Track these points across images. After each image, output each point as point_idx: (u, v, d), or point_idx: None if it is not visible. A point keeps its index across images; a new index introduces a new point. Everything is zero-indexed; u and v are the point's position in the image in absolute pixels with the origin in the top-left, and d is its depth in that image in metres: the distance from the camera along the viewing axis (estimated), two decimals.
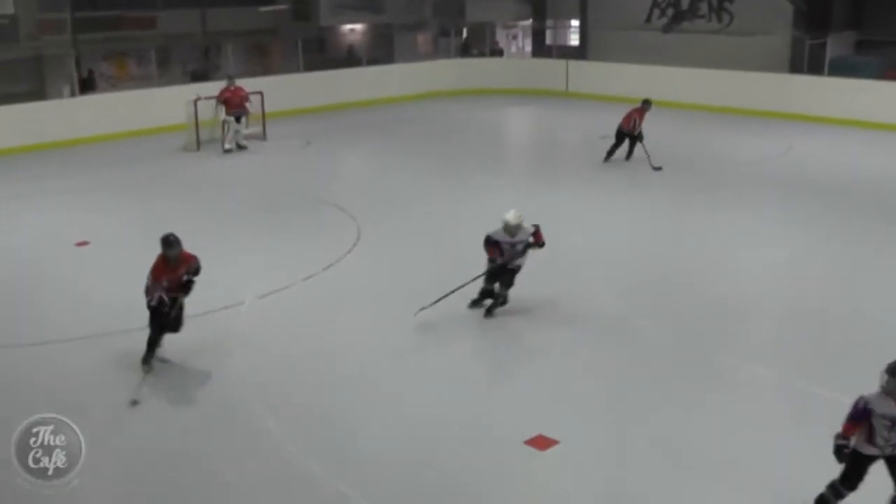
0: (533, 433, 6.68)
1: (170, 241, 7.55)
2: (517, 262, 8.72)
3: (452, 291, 8.68)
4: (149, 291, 7.55)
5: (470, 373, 7.95)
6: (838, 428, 6.83)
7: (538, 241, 8.71)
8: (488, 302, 8.90)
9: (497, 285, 8.78)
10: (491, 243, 8.69)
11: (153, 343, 7.67)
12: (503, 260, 8.64)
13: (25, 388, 7.65)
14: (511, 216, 8.57)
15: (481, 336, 8.56)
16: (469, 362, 8.18)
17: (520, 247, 8.63)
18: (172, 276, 7.57)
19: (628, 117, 15.16)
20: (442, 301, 8.56)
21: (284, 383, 7.60)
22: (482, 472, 6.34)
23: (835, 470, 6.27)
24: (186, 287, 7.63)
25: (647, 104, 15.18)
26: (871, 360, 7.91)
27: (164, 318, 7.60)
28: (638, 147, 15.08)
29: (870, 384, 7.42)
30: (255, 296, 9.43)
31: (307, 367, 7.92)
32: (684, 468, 6.36)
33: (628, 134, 15.12)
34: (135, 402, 7.15)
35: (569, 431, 6.74)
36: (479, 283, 8.86)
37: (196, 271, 7.68)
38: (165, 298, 7.52)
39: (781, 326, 9.12)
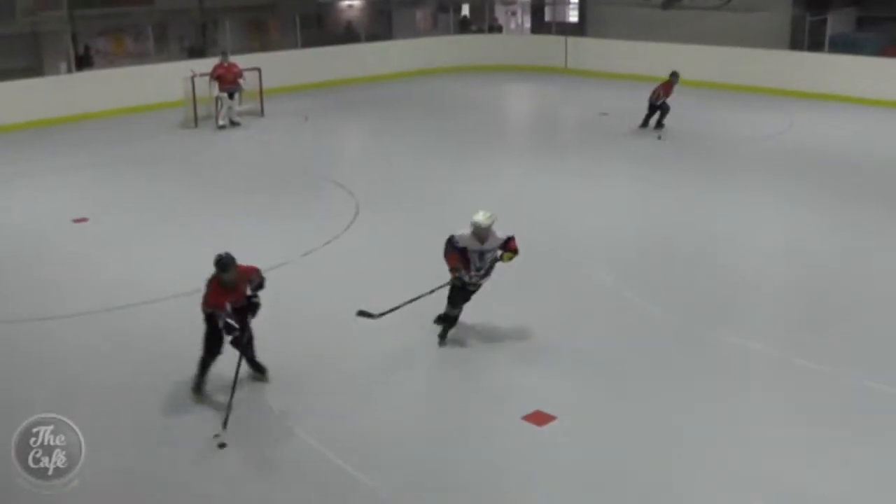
0: (531, 409, 6.70)
1: (224, 264, 6.59)
2: (481, 281, 7.62)
3: (408, 302, 7.69)
4: (212, 316, 6.68)
5: (469, 346, 7.94)
6: (837, 405, 6.87)
7: (510, 248, 7.54)
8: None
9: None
10: (454, 250, 7.41)
11: (205, 365, 6.86)
12: (468, 277, 7.49)
13: (25, 364, 7.68)
14: (482, 217, 7.35)
15: (480, 309, 8.53)
16: (467, 337, 8.16)
17: (489, 256, 7.52)
18: (235, 296, 6.67)
19: (655, 89, 15.91)
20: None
21: (283, 359, 7.58)
22: (480, 447, 6.36)
23: (828, 447, 6.32)
24: (253, 308, 6.73)
25: (673, 76, 15.83)
26: (871, 338, 7.99)
27: (237, 344, 6.69)
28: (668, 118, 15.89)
29: (870, 362, 7.48)
30: None
31: (306, 343, 7.92)
32: (681, 445, 6.36)
33: (653, 104, 15.89)
34: (222, 445, 6.31)
35: (567, 407, 6.75)
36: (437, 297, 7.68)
37: (259, 286, 6.80)
38: (235, 324, 6.59)
39: (782, 304, 9.10)
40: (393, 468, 6.12)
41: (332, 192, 12.41)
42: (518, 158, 15.20)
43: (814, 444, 6.43)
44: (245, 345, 6.76)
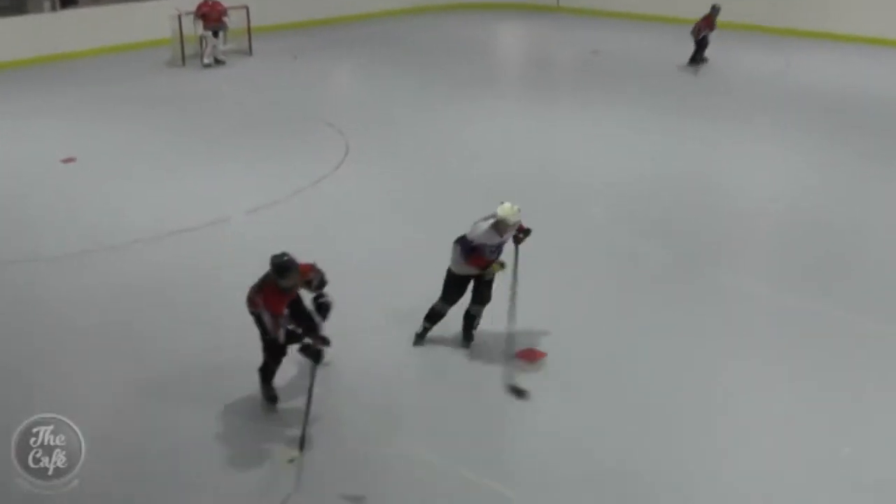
0: (523, 346, 6.74)
1: (285, 268, 5.71)
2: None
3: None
4: (271, 326, 5.81)
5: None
6: (833, 345, 6.88)
7: (521, 229, 6.63)
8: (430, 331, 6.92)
9: (473, 306, 6.77)
10: (469, 251, 6.43)
11: (270, 373, 6.16)
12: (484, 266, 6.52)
13: (15, 306, 7.65)
14: (508, 210, 6.33)
15: None
16: None
17: (503, 247, 6.60)
18: (294, 297, 6.02)
19: (696, 25, 16.09)
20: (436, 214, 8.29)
21: None
22: (472, 385, 6.43)
23: (814, 387, 6.36)
24: (324, 309, 5.91)
25: (713, 10, 16.00)
26: (869, 279, 8.02)
27: (308, 350, 5.81)
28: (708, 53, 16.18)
29: (864, 302, 7.50)
30: (242, 211, 9.38)
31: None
32: (681, 385, 6.41)
33: (697, 40, 16.12)
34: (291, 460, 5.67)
35: (558, 345, 6.78)
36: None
37: (322, 283, 6.03)
38: (297, 329, 5.83)
39: (780, 243, 9.13)
40: (379, 401, 6.16)
41: (322, 132, 12.28)
42: (509, 97, 15.07)
43: (807, 362, 6.51)
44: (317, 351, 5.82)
